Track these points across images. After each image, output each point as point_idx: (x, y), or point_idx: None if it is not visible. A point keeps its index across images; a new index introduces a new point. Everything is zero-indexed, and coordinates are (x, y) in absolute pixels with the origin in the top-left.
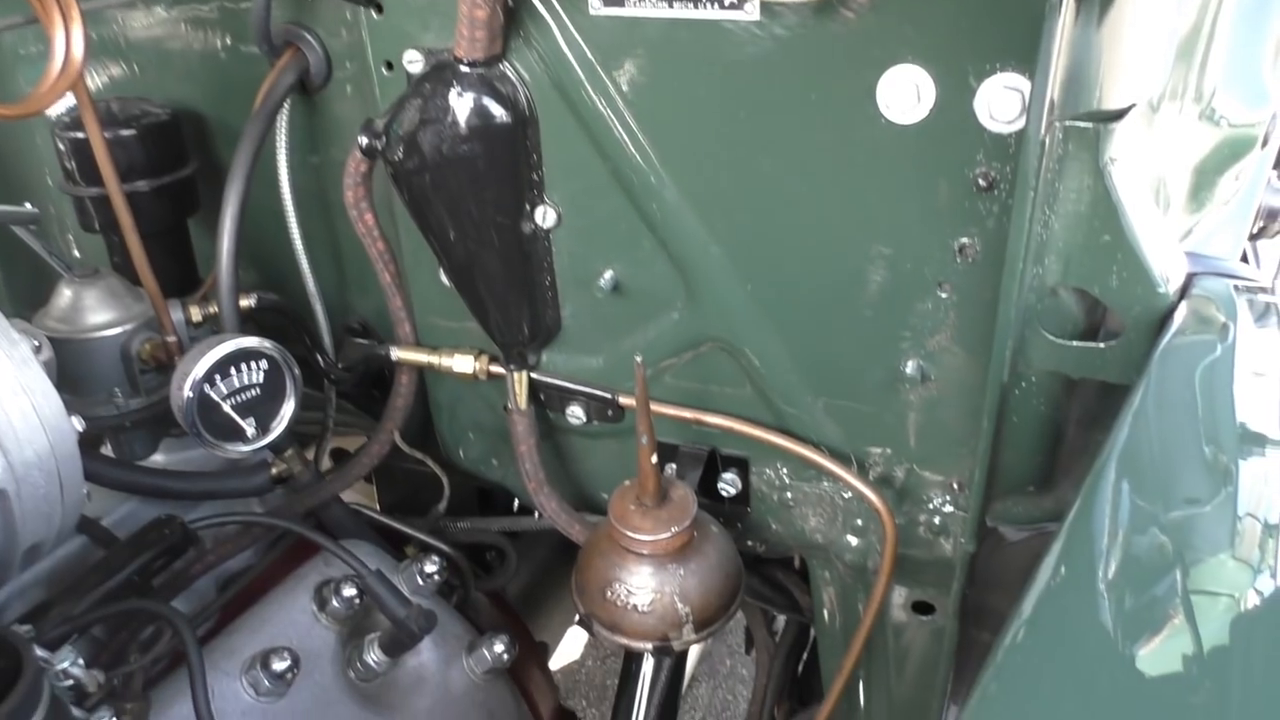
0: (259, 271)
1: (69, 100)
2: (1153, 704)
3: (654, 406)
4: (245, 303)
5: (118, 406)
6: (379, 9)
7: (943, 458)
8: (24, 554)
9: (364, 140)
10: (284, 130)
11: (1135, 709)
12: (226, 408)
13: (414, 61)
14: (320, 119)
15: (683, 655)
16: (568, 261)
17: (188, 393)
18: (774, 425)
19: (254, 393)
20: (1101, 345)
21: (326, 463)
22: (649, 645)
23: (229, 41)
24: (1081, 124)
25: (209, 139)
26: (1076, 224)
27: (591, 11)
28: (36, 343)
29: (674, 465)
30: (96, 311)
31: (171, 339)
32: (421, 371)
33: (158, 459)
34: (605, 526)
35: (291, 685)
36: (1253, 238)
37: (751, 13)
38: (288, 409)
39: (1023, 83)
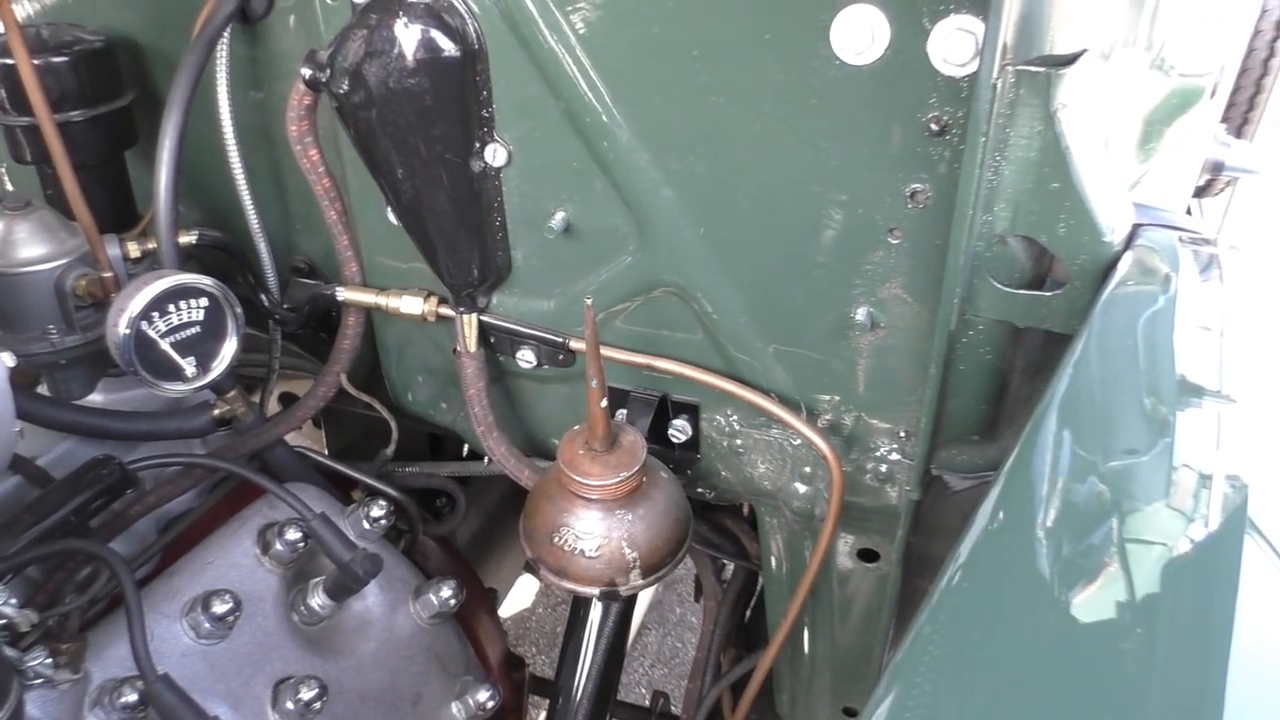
0: (201, 208)
1: None
2: (1083, 648)
3: (605, 351)
4: (185, 239)
5: (52, 344)
6: None
7: (891, 405)
8: None
9: (307, 72)
10: (224, 60)
11: (1066, 652)
12: (165, 345)
13: None
14: (262, 50)
15: (631, 601)
16: (518, 201)
17: (124, 330)
18: (725, 371)
19: (194, 331)
20: (1048, 294)
21: (274, 406)
22: (596, 590)
23: None
24: (1034, 68)
25: (146, 69)
26: (1026, 170)
27: None
28: None
29: (625, 410)
30: (29, 245)
31: (108, 275)
32: (369, 313)
33: (96, 399)
34: (554, 471)
35: (233, 628)
36: (1198, 192)
37: None
38: (229, 348)
39: (976, 25)
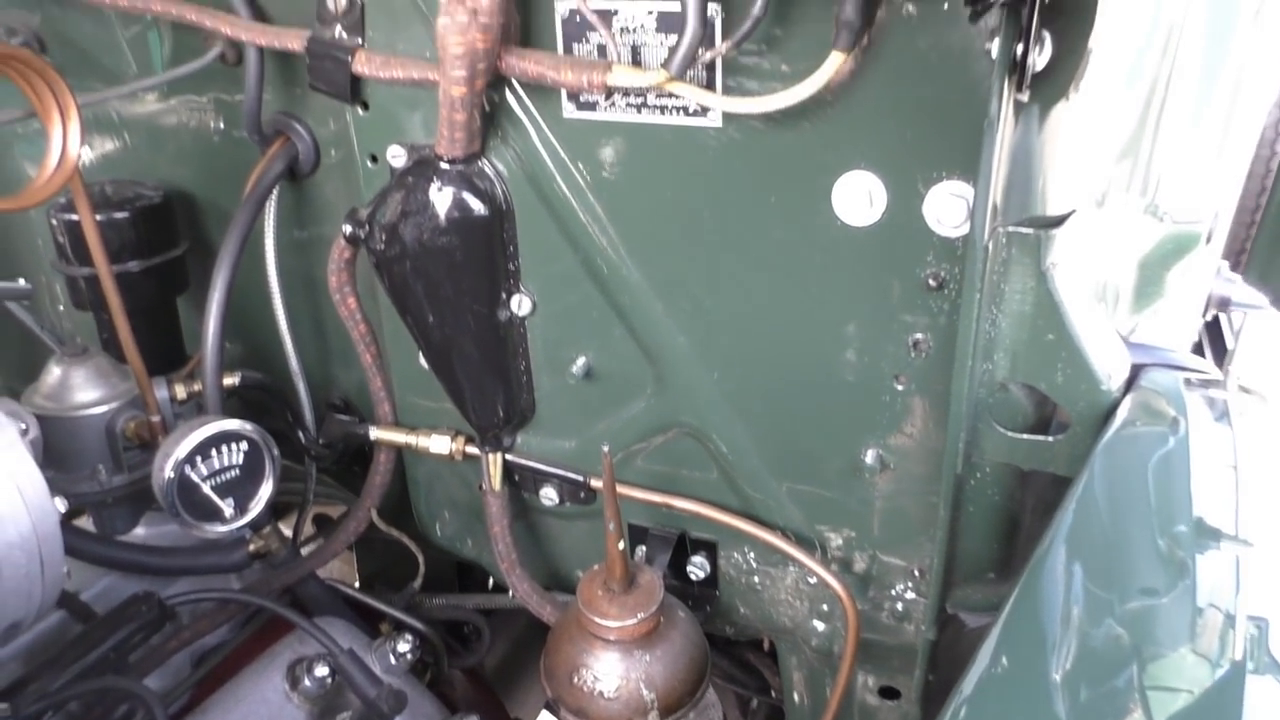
0: (245, 345)
1: None
2: None
3: (624, 490)
4: (229, 380)
5: (101, 483)
6: (365, 106)
7: (903, 544)
8: (3, 631)
9: (348, 229)
10: (272, 215)
11: None
12: (206, 489)
13: (397, 156)
14: (307, 202)
15: None
16: (542, 347)
17: (169, 474)
18: (740, 510)
19: (233, 473)
20: (1050, 439)
21: (308, 530)
22: None
23: (222, 127)
24: (1024, 230)
25: (200, 219)
26: (1021, 323)
27: (565, 115)
28: (24, 425)
29: (644, 547)
30: (84, 390)
31: (155, 418)
32: (400, 449)
33: (139, 532)
34: (573, 611)
35: None
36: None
37: (714, 119)
38: (266, 490)
39: (967, 190)
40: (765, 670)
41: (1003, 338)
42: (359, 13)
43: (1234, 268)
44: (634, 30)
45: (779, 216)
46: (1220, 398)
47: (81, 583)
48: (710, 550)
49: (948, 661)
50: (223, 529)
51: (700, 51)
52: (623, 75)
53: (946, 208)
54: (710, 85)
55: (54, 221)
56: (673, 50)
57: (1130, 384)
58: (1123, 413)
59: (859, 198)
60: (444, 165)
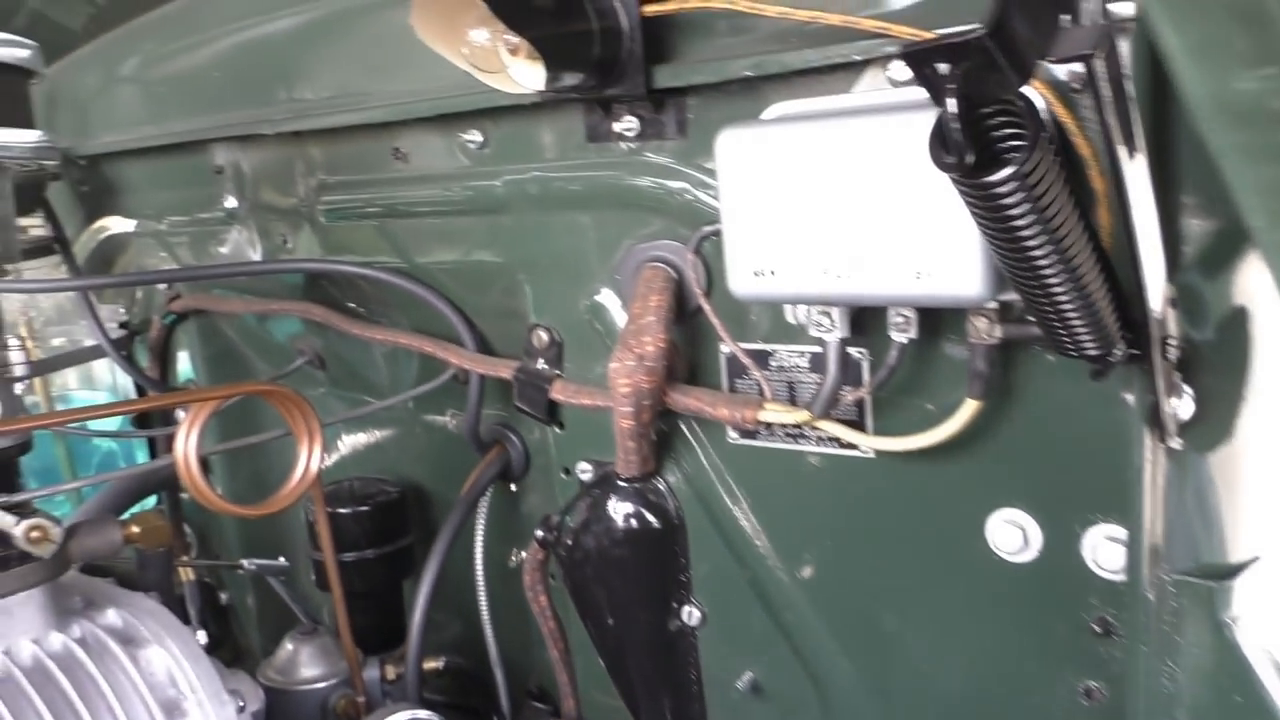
0: (458, 629)
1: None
2: None
3: None
4: (432, 664)
5: None
6: (560, 425)
7: None
8: None
9: (540, 533)
10: (484, 514)
11: None
12: None
13: (585, 471)
14: (516, 502)
15: None
16: (710, 659)
17: None
18: None
19: None
20: None
21: None
22: None
23: (453, 434)
24: (1194, 579)
25: (429, 512)
26: (1203, 680)
27: (729, 440)
28: (241, 704)
29: None
30: (308, 666)
31: (360, 698)
32: None
33: None
34: None
35: None
36: None
37: (866, 452)
38: None
39: (1123, 533)
40: None
41: (1183, 694)
42: (558, 347)
43: None
44: (790, 368)
45: (934, 547)
46: None
47: None
48: None
49: None
50: None
51: (843, 392)
52: (772, 413)
53: (1104, 550)
54: (859, 421)
55: (306, 515)
56: (817, 392)
57: None
58: None
59: (1013, 534)
60: (622, 482)
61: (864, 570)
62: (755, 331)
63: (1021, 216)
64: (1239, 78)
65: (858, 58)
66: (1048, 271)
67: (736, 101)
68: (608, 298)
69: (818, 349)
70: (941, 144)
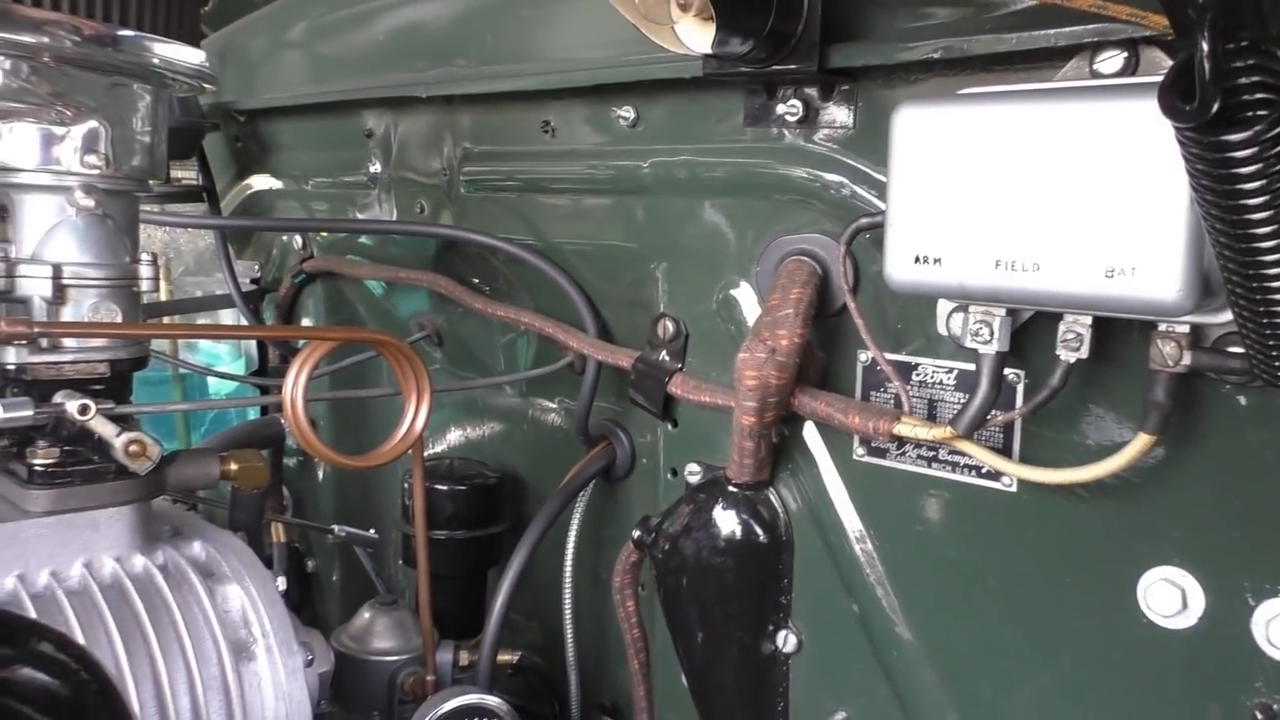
0: (532, 628)
1: None
2: None
3: None
4: (507, 657)
5: None
6: (674, 423)
7: None
8: None
9: (637, 534)
10: (579, 510)
11: None
12: None
13: (694, 473)
14: (615, 504)
15: None
16: (802, 691)
17: None
18: None
19: None
20: None
21: None
22: None
23: (560, 425)
24: None
25: (523, 503)
26: None
27: (854, 456)
28: (310, 657)
29: None
30: (382, 638)
31: (430, 678)
32: None
33: None
34: None
35: None
36: None
37: (1009, 485)
38: None
39: None
40: None
41: None
42: (683, 340)
43: None
44: (933, 385)
45: (1075, 600)
46: None
47: None
48: None
49: None
50: None
51: (993, 414)
52: (910, 427)
53: None
54: (1006, 448)
55: (404, 485)
56: (963, 408)
57: None
58: None
59: (1170, 597)
60: (731, 488)
61: (988, 618)
62: (900, 341)
63: (1258, 193)
64: None
65: (1062, 43)
66: (1277, 267)
67: (915, 91)
68: (743, 293)
69: (967, 366)
70: (1179, 93)
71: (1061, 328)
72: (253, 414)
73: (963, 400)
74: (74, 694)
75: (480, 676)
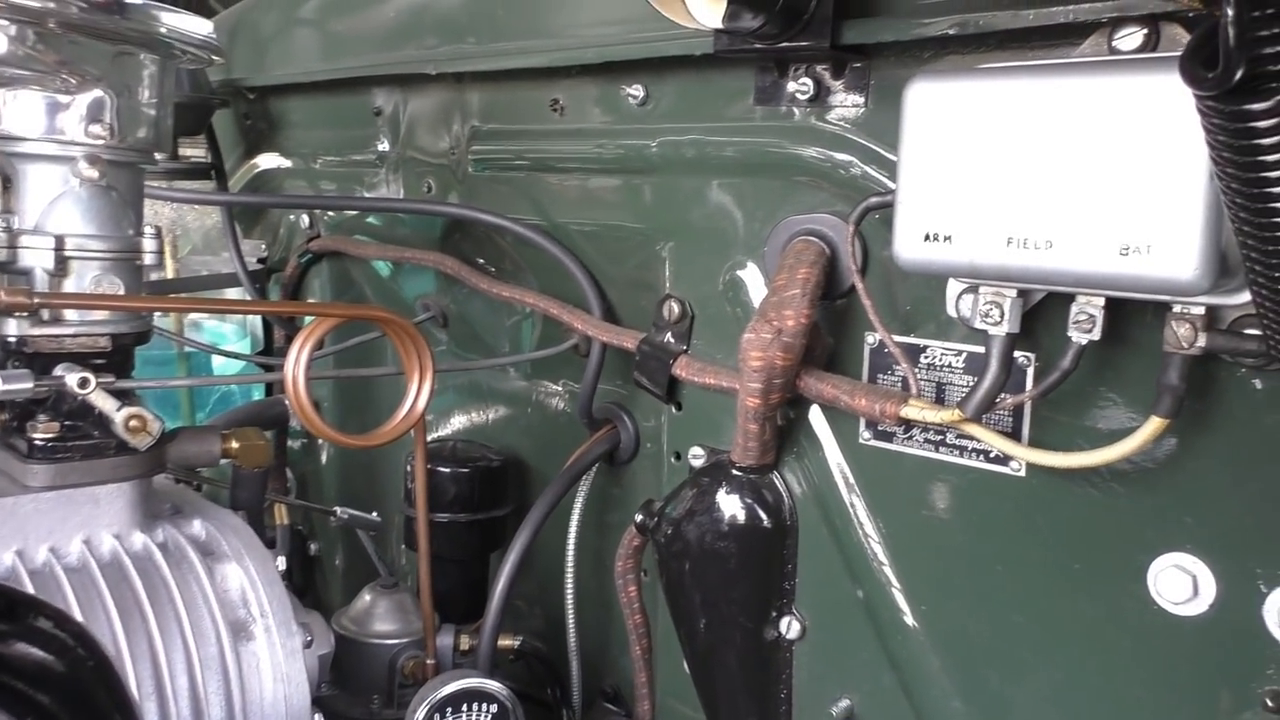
0: (533, 614)
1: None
2: None
3: None
4: (507, 642)
5: (372, 713)
6: (679, 406)
7: None
8: None
9: (639, 518)
10: (582, 494)
11: None
12: None
13: (698, 456)
14: (619, 487)
15: None
16: (805, 678)
17: (420, 717)
18: None
19: None
20: None
21: None
22: None
23: (564, 409)
24: None
25: (526, 488)
26: None
27: (860, 440)
28: (310, 638)
29: None
30: (383, 620)
31: (430, 661)
32: None
33: None
34: None
35: None
36: None
37: (1017, 470)
38: None
39: None
40: None
41: None
42: (689, 322)
43: None
44: (941, 368)
45: (1084, 587)
46: None
47: None
48: None
49: None
50: None
51: (1002, 397)
52: (917, 409)
53: None
54: (1015, 432)
55: (407, 468)
56: (971, 391)
57: None
58: None
59: (1181, 583)
60: (735, 471)
61: (995, 605)
62: (908, 324)
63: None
64: None
65: (1081, 19)
66: None
67: (928, 69)
68: (750, 274)
69: (976, 349)
70: (1201, 61)
71: (1074, 308)
72: (257, 393)
73: (971, 384)
74: (70, 670)
75: (481, 661)
